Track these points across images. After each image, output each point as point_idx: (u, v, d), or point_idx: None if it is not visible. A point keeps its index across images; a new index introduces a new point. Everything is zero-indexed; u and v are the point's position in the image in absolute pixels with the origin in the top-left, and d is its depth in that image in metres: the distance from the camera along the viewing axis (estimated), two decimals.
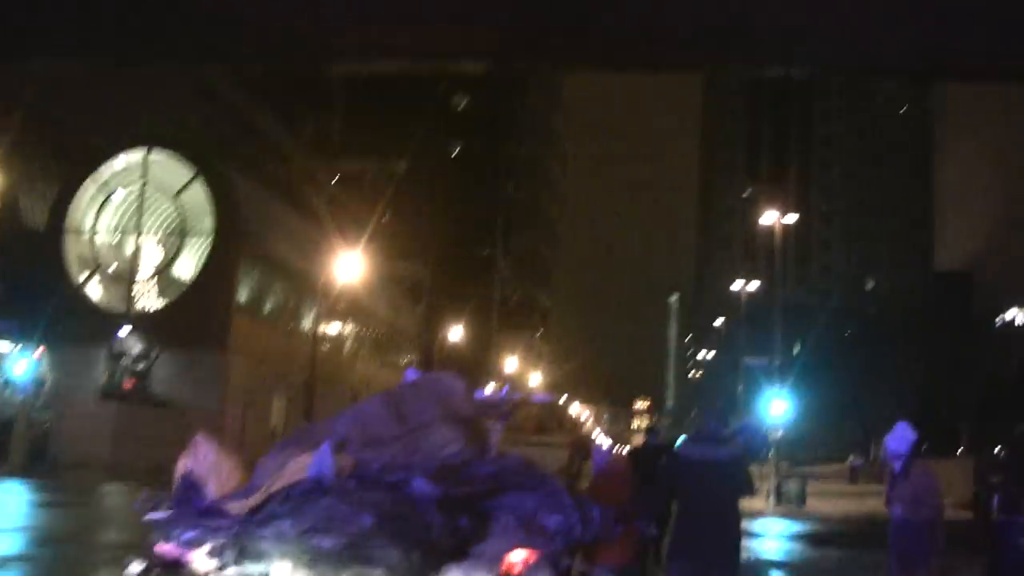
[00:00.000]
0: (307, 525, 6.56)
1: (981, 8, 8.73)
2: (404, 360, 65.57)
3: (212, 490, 7.42)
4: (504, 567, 6.83)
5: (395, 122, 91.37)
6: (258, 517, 6.67)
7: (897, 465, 11.43)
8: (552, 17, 8.79)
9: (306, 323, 47.74)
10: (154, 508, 7.19)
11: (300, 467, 7.08)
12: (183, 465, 7.59)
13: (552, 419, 20.34)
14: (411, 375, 9.54)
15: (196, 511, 7.19)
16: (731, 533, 9.74)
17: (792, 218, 58.77)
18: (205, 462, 7.57)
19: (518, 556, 6.94)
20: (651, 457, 14.42)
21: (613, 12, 8.72)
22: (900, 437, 11.46)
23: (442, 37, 9.49)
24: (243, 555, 6.62)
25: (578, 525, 7.48)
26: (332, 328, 53.45)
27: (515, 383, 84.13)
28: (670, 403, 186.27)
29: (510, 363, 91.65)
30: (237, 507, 7.00)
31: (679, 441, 11.10)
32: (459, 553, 6.71)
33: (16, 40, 9.40)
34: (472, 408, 8.38)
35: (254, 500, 6.92)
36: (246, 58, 11.77)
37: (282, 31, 9.62)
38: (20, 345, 33.31)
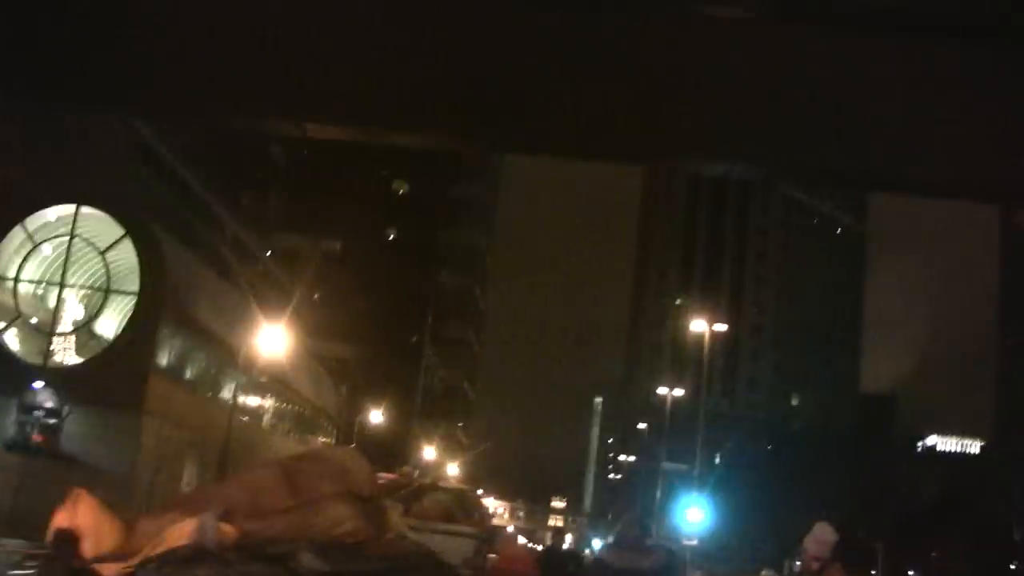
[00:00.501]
0: None
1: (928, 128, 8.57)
2: (323, 439, 64.95)
3: (87, 549, 6.88)
4: None
5: (333, 203, 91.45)
6: None
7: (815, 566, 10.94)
8: (501, 99, 8.54)
9: (226, 393, 47.11)
10: (18, 565, 6.63)
11: (181, 533, 6.55)
12: (59, 520, 7.04)
13: (461, 508, 19.89)
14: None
15: (64, 570, 6.64)
16: None
17: (722, 328, 58.96)
18: (83, 519, 7.03)
19: None
20: (561, 559, 13.91)
21: (559, 99, 8.51)
22: (820, 540, 10.95)
23: (386, 109, 9.19)
24: None
25: None
26: (252, 400, 52.87)
27: (431, 471, 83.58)
28: (588, 504, 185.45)
29: (429, 451, 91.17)
30: (109, 571, 6.45)
31: (599, 547, 10.76)
32: None
33: None
34: (371, 487, 7.89)
35: (127, 565, 6.37)
36: (179, 111, 11.37)
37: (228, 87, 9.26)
38: None
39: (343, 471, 7.79)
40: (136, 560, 6.49)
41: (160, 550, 6.50)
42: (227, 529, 6.68)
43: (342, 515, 7.29)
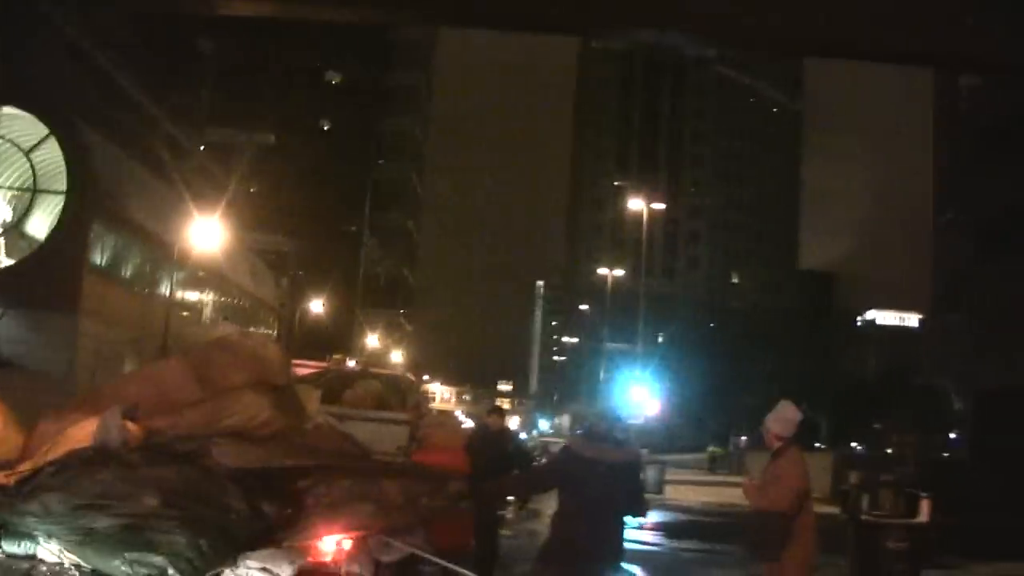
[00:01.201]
0: (80, 501, 5.70)
1: None
2: (264, 331, 64.62)
3: None
4: (311, 557, 6.05)
5: (266, 94, 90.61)
6: (25, 490, 5.80)
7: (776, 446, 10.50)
8: None
9: (163, 289, 46.63)
10: None
11: (83, 433, 6.24)
12: None
13: (395, 394, 19.57)
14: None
15: None
16: (615, 542, 9.05)
17: (660, 206, 58.86)
18: None
19: (329, 545, 6.17)
20: (495, 439, 13.62)
21: None
22: (785, 418, 10.54)
23: None
24: (3, 533, 5.75)
25: (420, 497, 6.72)
26: (191, 295, 52.48)
27: (375, 359, 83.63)
28: (534, 386, 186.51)
29: (372, 340, 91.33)
30: (2, 476, 6.13)
31: (544, 428, 10.51)
32: (260, 540, 5.88)
33: None
34: (285, 375, 7.57)
35: (22, 469, 6.05)
36: None
37: None
38: None
39: (254, 359, 7.49)
40: (29, 464, 6.17)
41: (59, 453, 6.18)
42: (132, 427, 6.38)
43: (255, 406, 6.99)
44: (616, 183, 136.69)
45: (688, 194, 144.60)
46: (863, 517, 16.77)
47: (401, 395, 15.33)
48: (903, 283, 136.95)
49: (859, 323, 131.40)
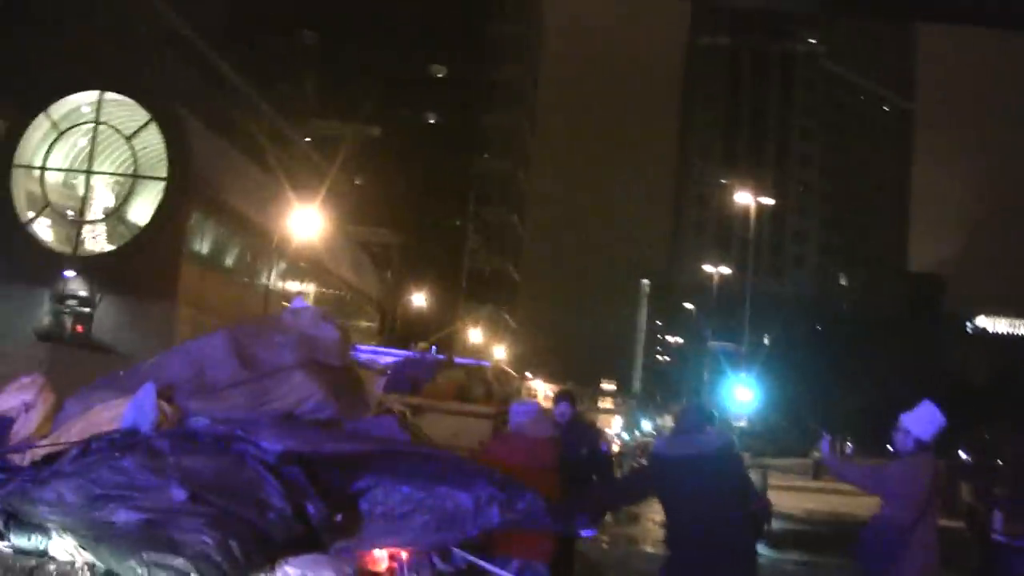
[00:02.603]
0: (99, 491, 5.03)
1: None
2: (365, 323, 64.52)
3: (21, 434, 5.95)
4: (360, 565, 5.36)
5: (371, 87, 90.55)
6: (41, 475, 5.15)
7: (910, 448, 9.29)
8: None
9: (263, 279, 46.53)
10: None
11: (112, 414, 5.60)
12: None
13: (481, 386, 18.87)
14: (298, 303, 8.17)
15: None
16: (738, 553, 8.24)
17: (767, 201, 57.75)
18: (17, 400, 6.13)
19: (380, 555, 5.48)
20: (578, 436, 11.85)
21: None
22: (927, 420, 9.39)
23: None
24: (13, 524, 5.11)
25: (492, 508, 5.96)
26: (292, 286, 52.37)
27: (480, 354, 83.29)
28: (637, 387, 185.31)
29: (475, 334, 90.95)
30: (21, 458, 5.50)
31: (655, 435, 9.68)
32: (300, 544, 5.17)
33: None
34: (342, 356, 6.87)
35: (39, 452, 5.41)
36: None
37: None
38: None
39: (306, 338, 6.81)
40: (47, 446, 5.51)
41: (82, 435, 5.52)
42: (167, 409, 5.73)
43: (305, 387, 6.32)
44: (722, 180, 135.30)
45: (795, 192, 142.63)
46: (995, 537, 15.31)
47: (486, 387, 14.54)
48: (1016, 288, 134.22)
49: (969, 329, 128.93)
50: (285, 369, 6.38)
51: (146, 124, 38.90)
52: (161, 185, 39.07)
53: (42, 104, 39.11)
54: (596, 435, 14.08)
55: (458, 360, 18.43)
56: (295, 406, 6.22)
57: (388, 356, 17.82)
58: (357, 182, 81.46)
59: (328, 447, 5.78)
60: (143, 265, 37.78)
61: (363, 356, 17.20)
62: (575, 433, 11.74)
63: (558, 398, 12.48)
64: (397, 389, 13.10)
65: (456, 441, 9.42)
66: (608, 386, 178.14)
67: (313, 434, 5.90)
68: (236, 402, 6.08)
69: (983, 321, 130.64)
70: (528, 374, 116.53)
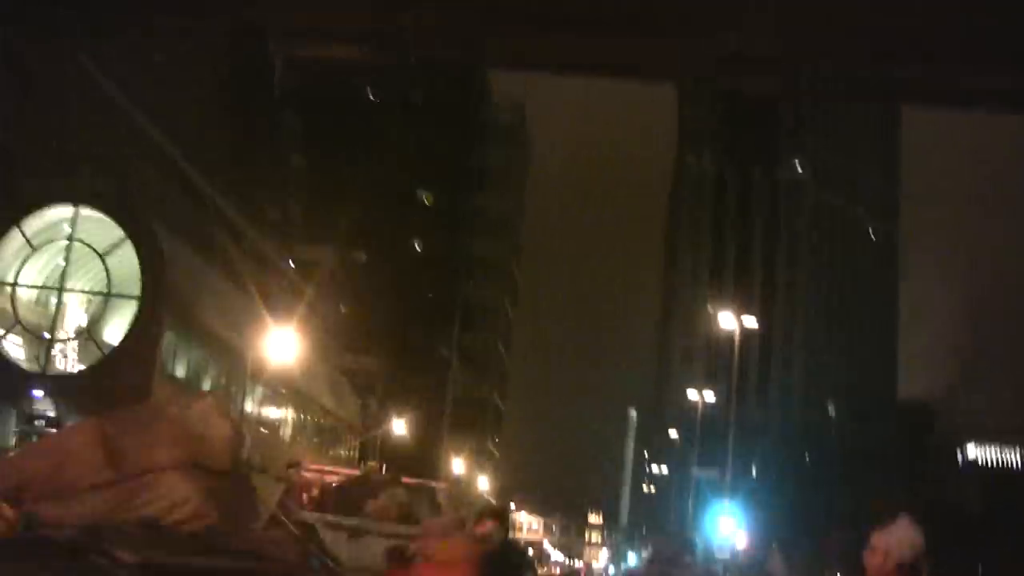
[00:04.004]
0: None
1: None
2: (343, 452, 63.57)
3: None
4: None
5: (358, 212, 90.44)
6: None
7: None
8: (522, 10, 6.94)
9: (238, 402, 45.64)
10: None
11: None
12: None
13: (428, 508, 17.79)
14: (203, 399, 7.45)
15: None
16: None
17: (751, 324, 57.14)
18: None
19: None
20: (511, 562, 10.42)
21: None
22: (911, 541, 7.96)
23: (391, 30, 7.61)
24: None
25: None
26: (269, 411, 51.59)
27: (460, 483, 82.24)
28: (624, 518, 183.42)
29: (457, 463, 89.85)
30: None
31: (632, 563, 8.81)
32: None
33: None
34: (226, 458, 6.06)
35: None
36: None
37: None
38: None
39: (186, 436, 6.00)
40: None
41: None
42: (7, 513, 4.94)
43: (179, 492, 5.51)
44: (708, 306, 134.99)
45: (782, 319, 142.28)
46: None
47: (434, 508, 13.82)
48: (1007, 415, 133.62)
49: (959, 458, 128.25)
50: (157, 470, 5.59)
51: (121, 242, 38.33)
52: (135, 304, 38.41)
53: (17, 217, 38.55)
54: (525, 565, 12.02)
55: (406, 480, 17.75)
56: (166, 513, 5.43)
57: (333, 475, 17.32)
58: (341, 308, 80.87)
59: (198, 562, 4.98)
60: (114, 385, 36.83)
61: (308, 475, 16.58)
62: (501, 562, 9.84)
63: (481, 516, 10.35)
64: (337, 509, 12.56)
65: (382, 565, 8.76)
66: (595, 519, 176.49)
67: (181, 545, 5.10)
68: (96, 506, 5.28)
69: (973, 450, 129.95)
70: (512, 505, 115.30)
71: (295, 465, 18.60)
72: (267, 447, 46.46)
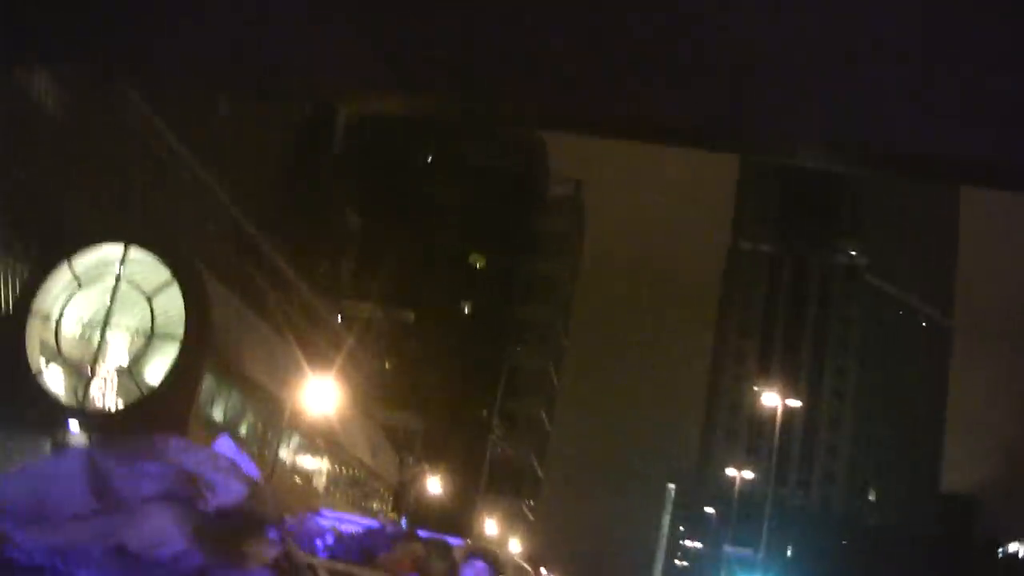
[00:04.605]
0: None
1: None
2: (376, 505, 63.66)
3: None
4: None
5: (408, 273, 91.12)
6: None
7: None
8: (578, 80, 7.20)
9: (273, 450, 45.91)
10: None
11: None
12: None
13: (442, 562, 17.69)
14: (224, 441, 7.67)
15: None
16: None
17: (795, 404, 56.92)
18: None
19: None
20: None
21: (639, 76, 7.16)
22: None
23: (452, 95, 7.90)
24: None
25: None
26: (305, 460, 51.77)
27: (492, 544, 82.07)
28: None
29: (491, 524, 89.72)
30: None
31: None
32: None
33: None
34: (231, 501, 6.23)
35: None
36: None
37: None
38: None
39: (185, 474, 6.23)
40: None
41: None
42: None
43: (166, 532, 5.74)
44: (755, 388, 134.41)
45: (829, 405, 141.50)
46: None
47: (449, 564, 13.92)
48: None
49: (1000, 554, 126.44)
50: (144, 505, 5.76)
51: (167, 284, 38.67)
52: (176, 345, 38.69)
53: (66, 253, 38.95)
54: None
55: (422, 534, 17.83)
56: (148, 549, 5.61)
57: (351, 524, 17.41)
58: (387, 366, 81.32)
59: None
60: (151, 425, 37.10)
61: (324, 522, 16.73)
62: None
63: (469, 555, 10.05)
64: (349, 557, 12.65)
65: None
66: None
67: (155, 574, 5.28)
68: (77, 536, 5.46)
69: (1016, 547, 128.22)
70: (543, 570, 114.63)
71: (311, 510, 18.77)
72: (296, 495, 46.70)
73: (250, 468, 7.39)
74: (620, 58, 6.85)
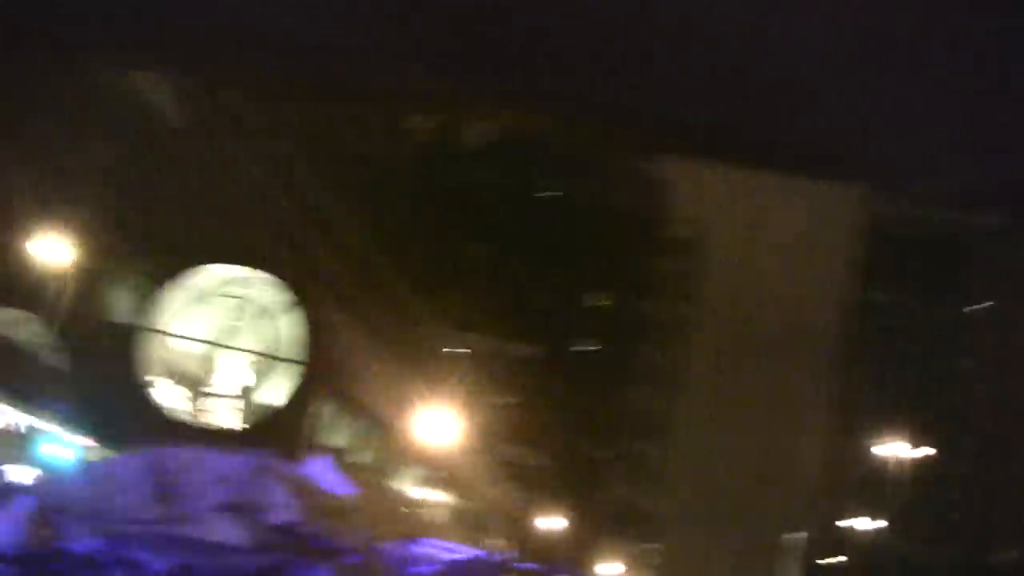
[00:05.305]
0: None
1: None
2: (490, 541, 63.14)
3: None
4: None
5: (530, 307, 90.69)
6: None
7: None
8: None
9: (391, 480, 45.53)
10: None
11: None
12: None
13: None
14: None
15: None
16: None
17: (921, 454, 55.54)
18: None
19: None
20: None
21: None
22: None
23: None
24: None
25: None
26: (418, 492, 51.43)
27: None
28: None
29: (611, 568, 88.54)
30: None
31: None
32: None
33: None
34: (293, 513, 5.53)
35: None
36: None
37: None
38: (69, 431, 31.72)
39: (232, 485, 5.49)
40: None
41: None
42: (42, 531, 4.55)
43: (229, 536, 4.99)
44: (881, 437, 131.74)
45: (962, 456, 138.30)
46: None
47: None
48: None
49: None
50: (208, 514, 5.10)
51: (289, 306, 38.50)
52: (296, 369, 38.50)
53: (185, 269, 38.97)
54: None
55: (519, 566, 17.12)
56: (218, 557, 4.94)
57: (450, 553, 16.87)
58: (504, 401, 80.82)
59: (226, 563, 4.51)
60: (266, 446, 36.80)
61: (424, 550, 16.08)
62: None
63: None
64: None
65: None
66: None
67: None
68: (142, 536, 4.81)
69: None
70: None
71: (411, 538, 18.16)
72: (397, 522, 46.04)
73: (344, 490, 6.92)
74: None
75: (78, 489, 5.34)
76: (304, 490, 6.52)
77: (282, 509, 5.83)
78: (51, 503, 4.88)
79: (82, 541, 4.58)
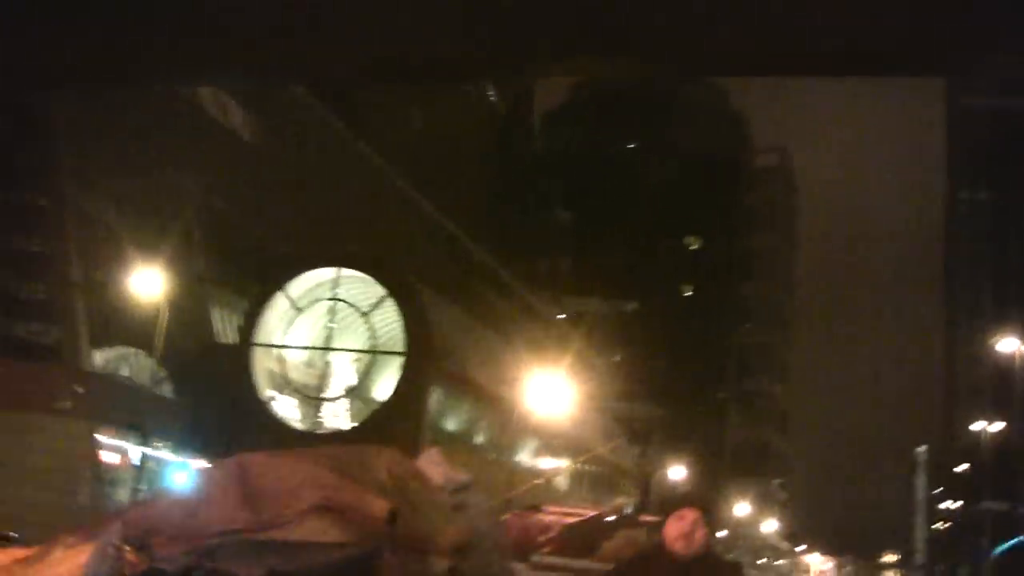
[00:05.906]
0: None
1: None
2: (621, 499, 63.07)
3: None
4: None
5: (625, 263, 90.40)
6: None
7: None
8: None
9: (510, 455, 45.55)
10: None
11: (71, 565, 4.48)
12: None
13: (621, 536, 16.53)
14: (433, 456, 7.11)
15: None
16: None
17: None
18: None
19: None
20: None
21: None
22: None
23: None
24: None
25: None
26: (540, 462, 51.31)
27: (743, 528, 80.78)
28: (919, 559, 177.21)
29: (742, 507, 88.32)
30: None
31: None
32: None
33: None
34: (359, 501, 5.55)
35: None
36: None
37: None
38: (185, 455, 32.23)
39: (339, 481, 5.56)
40: None
41: None
42: (132, 558, 4.55)
43: (318, 533, 5.07)
44: (993, 335, 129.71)
45: None
46: None
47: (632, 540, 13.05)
48: None
49: None
50: (299, 514, 5.14)
51: (383, 300, 38.65)
52: (400, 360, 38.62)
53: (280, 281, 39.27)
54: None
55: (645, 518, 17.03)
56: (312, 557, 4.99)
57: (575, 516, 16.84)
58: (613, 358, 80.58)
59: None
60: (384, 441, 36.99)
61: (548, 517, 16.07)
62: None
63: (678, 505, 6.79)
64: (566, 550, 12.12)
65: None
66: (889, 557, 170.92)
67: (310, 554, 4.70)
68: (228, 552, 4.87)
69: None
70: (802, 547, 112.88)
71: (533, 508, 18.19)
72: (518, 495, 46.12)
73: (457, 477, 6.93)
74: None
75: (166, 508, 5.43)
76: (410, 480, 6.59)
77: (380, 502, 5.89)
78: (139, 527, 4.97)
79: (174, 561, 4.64)
